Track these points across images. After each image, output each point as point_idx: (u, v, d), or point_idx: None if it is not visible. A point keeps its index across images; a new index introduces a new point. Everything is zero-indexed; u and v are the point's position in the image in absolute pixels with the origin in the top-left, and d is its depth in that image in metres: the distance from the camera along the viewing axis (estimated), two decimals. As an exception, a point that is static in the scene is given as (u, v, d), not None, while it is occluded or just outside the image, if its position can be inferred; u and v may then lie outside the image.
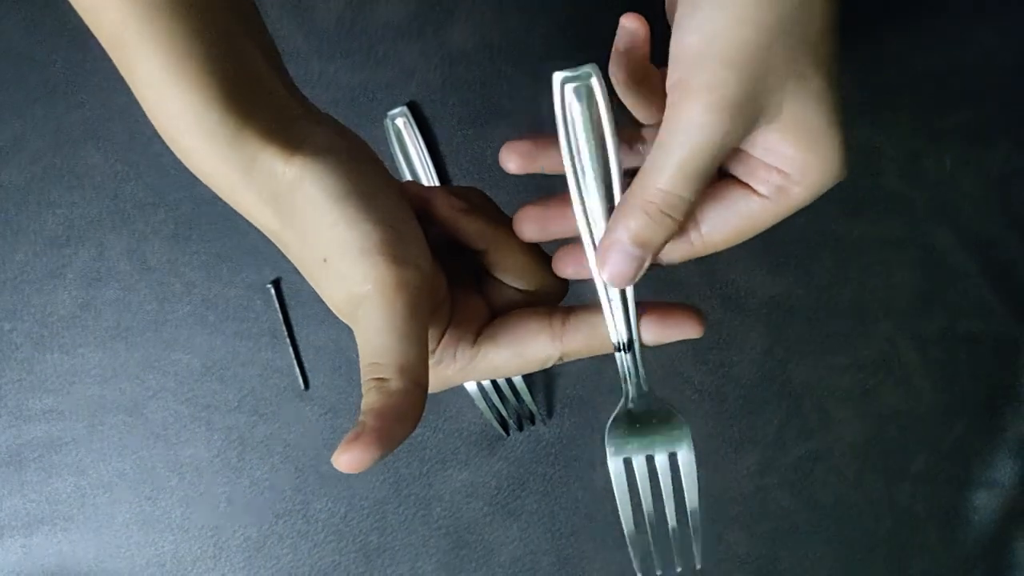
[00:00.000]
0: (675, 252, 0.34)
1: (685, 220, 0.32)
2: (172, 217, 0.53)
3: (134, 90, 0.32)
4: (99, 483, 0.52)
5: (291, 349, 0.52)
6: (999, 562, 0.52)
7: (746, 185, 0.33)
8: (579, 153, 0.33)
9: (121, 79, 0.52)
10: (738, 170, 0.33)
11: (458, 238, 0.35)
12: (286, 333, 0.52)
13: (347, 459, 0.28)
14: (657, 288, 0.52)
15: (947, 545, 0.52)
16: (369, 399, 0.29)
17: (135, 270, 0.52)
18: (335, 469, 0.51)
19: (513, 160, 0.36)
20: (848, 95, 0.32)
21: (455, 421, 0.52)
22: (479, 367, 0.35)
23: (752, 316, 0.53)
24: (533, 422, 0.52)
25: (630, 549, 0.37)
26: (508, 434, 0.52)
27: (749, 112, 0.30)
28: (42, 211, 0.53)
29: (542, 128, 0.52)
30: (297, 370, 0.52)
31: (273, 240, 0.33)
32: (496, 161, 0.52)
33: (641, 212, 0.31)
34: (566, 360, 0.35)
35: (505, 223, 0.36)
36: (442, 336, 0.34)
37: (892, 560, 0.52)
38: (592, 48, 0.53)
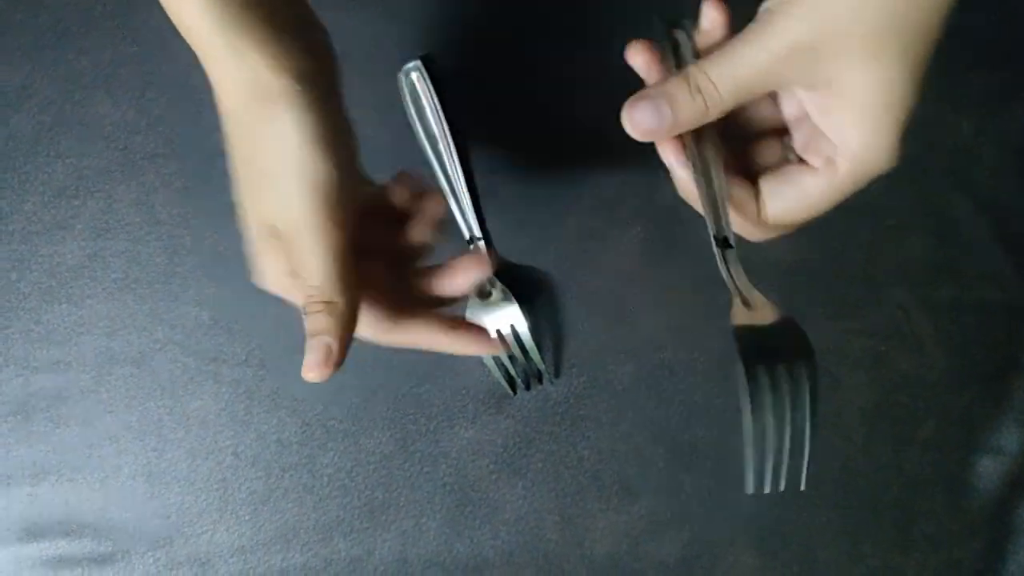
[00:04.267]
0: (746, 230, 0.37)
1: (712, 111, 0.34)
2: (182, 169, 0.52)
3: None
4: (106, 434, 0.52)
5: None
6: (1003, 528, 0.52)
7: (804, 163, 0.36)
8: None
9: (134, 28, 0.52)
10: (800, 145, 0.36)
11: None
12: (295, 287, 0.52)
13: (317, 375, 0.35)
14: (671, 255, 0.51)
15: (952, 511, 0.52)
16: (323, 321, 0.35)
17: (144, 222, 0.52)
18: (342, 424, 0.51)
19: (640, 56, 0.38)
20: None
21: (463, 379, 0.52)
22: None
23: (763, 280, 0.52)
24: (541, 381, 0.52)
25: (750, 460, 0.34)
26: (515, 393, 0.52)
27: (806, 62, 0.32)
28: (51, 161, 0.52)
29: (563, 85, 0.52)
30: (305, 325, 0.52)
31: (225, 124, 0.35)
32: (509, 116, 0.52)
33: (685, 85, 0.34)
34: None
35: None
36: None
37: (897, 525, 0.52)
38: (610, 8, 0.52)
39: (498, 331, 0.50)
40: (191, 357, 0.52)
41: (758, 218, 0.37)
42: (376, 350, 0.52)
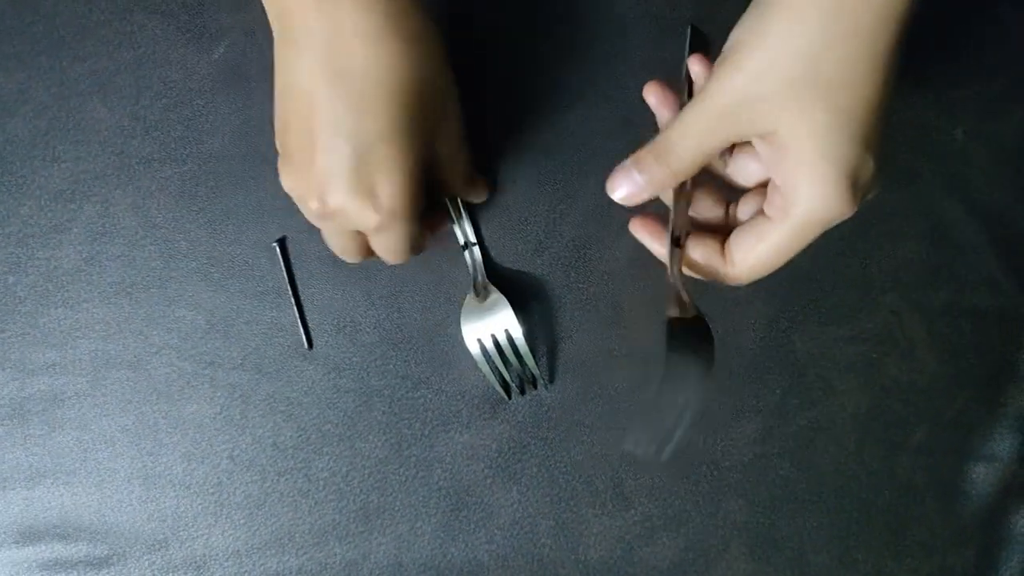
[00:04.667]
0: (714, 267, 0.41)
1: (678, 172, 0.39)
2: (178, 174, 0.52)
3: None
4: (101, 438, 0.52)
5: (295, 308, 0.52)
6: (996, 535, 0.52)
7: (764, 215, 0.39)
8: None
9: (129, 33, 0.52)
10: (767, 202, 0.39)
11: None
12: (290, 292, 0.52)
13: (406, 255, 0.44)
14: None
15: (945, 517, 0.52)
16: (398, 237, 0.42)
17: (140, 226, 0.52)
18: (337, 428, 0.52)
19: (654, 94, 0.43)
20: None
21: (458, 383, 0.52)
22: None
23: (757, 285, 0.52)
24: (535, 386, 0.52)
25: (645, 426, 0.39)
26: (510, 397, 0.52)
27: (745, 114, 0.36)
28: (47, 165, 0.52)
29: (558, 91, 0.52)
30: (301, 329, 0.52)
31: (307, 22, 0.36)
32: (504, 122, 0.52)
33: (652, 154, 0.39)
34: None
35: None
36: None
37: (890, 531, 0.52)
38: (602, 14, 0.52)
39: (493, 336, 0.50)
40: (187, 361, 0.52)
41: (725, 267, 0.40)
42: (372, 353, 0.52)
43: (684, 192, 0.42)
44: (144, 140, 0.52)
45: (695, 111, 0.37)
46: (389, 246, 0.42)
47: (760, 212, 0.40)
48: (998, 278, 0.52)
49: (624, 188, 0.40)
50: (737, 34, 0.37)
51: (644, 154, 0.39)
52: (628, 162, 0.40)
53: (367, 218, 0.39)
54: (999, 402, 0.52)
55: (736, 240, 0.40)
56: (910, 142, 0.52)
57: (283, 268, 0.52)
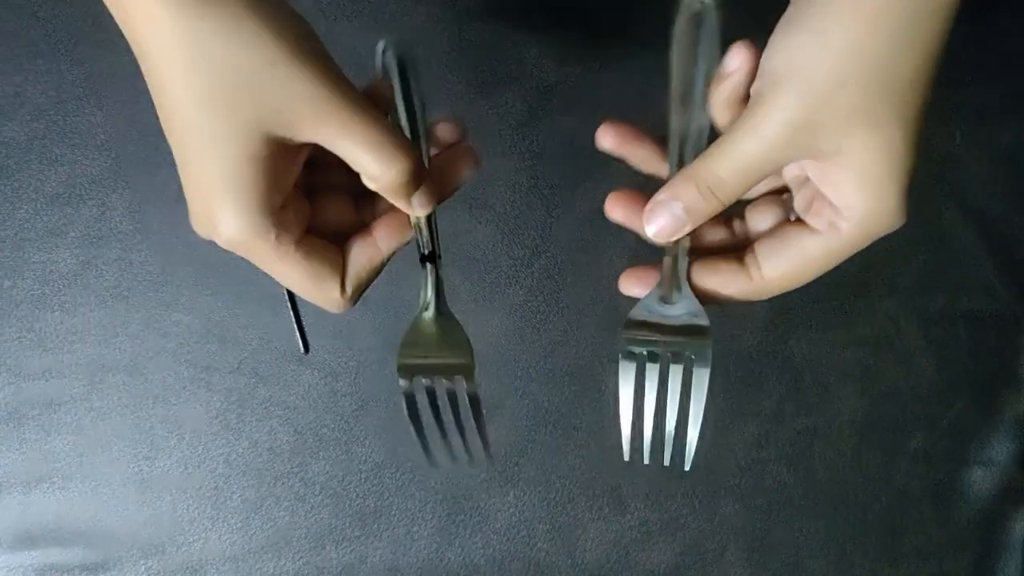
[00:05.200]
0: (733, 287, 0.37)
1: (726, 204, 0.35)
2: (175, 178, 0.52)
3: None
4: (98, 442, 0.52)
5: (291, 313, 0.52)
6: (992, 540, 0.52)
7: (804, 224, 0.36)
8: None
9: (124, 38, 0.52)
10: (801, 206, 0.36)
11: None
12: (287, 297, 0.52)
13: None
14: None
15: (941, 522, 0.52)
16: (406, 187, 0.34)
17: (137, 230, 0.52)
18: (333, 432, 0.52)
19: (610, 138, 0.38)
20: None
21: (454, 388, 0.52)
22: (277, 266, 0.34)
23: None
24: (474, 456, 0.41)
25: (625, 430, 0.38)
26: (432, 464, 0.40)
27: (809, 139, 0.32)
28: (44, 169, 0.52)
29: (550, 94, 0.52)
30: (297, 334, 0.52)
31: (159, 60, 0.31)
32: (498, 128, 0.52)
33: (694, 185, 0.35)
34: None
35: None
36: (287, 195, 0.34)
37: (887, 536, 0.52)
38: (598, 17, 0.52)
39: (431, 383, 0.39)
40: (183, 365, 0.52)
41: (751, 281, 0.37)
42: (368, 357, 0.52)
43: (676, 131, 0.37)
44: (141, 144, 0.52)
45: (749, 138, 0.33)
46: (283, 279, 0.35)
47: (788, 221, 0.37)
48: (995, 284, 0.52)
49: (663, 222, 0.36)
50: (787, 42, 0.32)
51: (687, 188, 0.35)
52: (665, 195, 0.36)
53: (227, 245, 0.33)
54: (996, 407, 0.53)
55: (766, 251, 0.36)
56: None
57: (280, 272, 0.52)
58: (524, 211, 0.52)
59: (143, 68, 0.33)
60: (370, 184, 0.34)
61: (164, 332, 0.52)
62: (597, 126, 0.52)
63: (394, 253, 0.39)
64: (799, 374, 0.52)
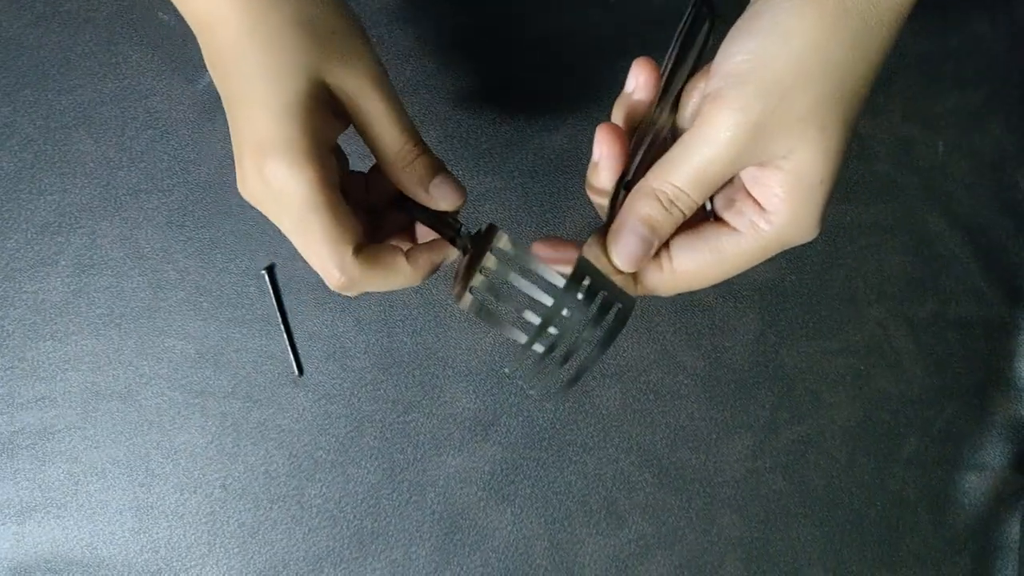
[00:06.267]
0: (647, 279, 0.36)
1: (688, 215, 0.34)
2: (165, 204, 0.52)
3: None
4: (92, 470, 0.52)
5: (285, 335, 0.52)
6: (988, 543, 0.53)
7: (722, 222, 0.35)
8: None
9: (113, 65, 0.52)
10: (720, 205, 0.36)
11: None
12: (280, 319, 0.52)
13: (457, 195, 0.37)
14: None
15: (937, 527, 0.52)
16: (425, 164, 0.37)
17: (128, 257, 0.52)
18: (329, 455, 0.52)
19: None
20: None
21: (449, 406, 0.52)
22: (304, 211, 0.35)
23: (745, 301, 0.53)
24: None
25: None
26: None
27: (765, 142, 0.32)
28: (33, 198, 0.52)
29: (538, 112, 0.52)
30: (291, 356, 0.52)
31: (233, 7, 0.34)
32: (488, 147, 0.52)
33: (654, 199, 0.34)
34: (347, 285, 0.36)
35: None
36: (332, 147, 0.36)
37: (883, 542, 0.52)
38: (586, 34, 0.53)
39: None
40: (177, 391, 0.52)
41: (663, 273, 0.36)
42: (362, 378, 0.52)
43: (650, 126, 0.36)
44: (130, 171, 0.52)
45: (707, 144, 0.32)
46: (304, 230, 0.35)
47: (708, 219, 0.36)
48: (982, 289, 0.53)
49: (631, 246, 0.34)
50: (747, 43, 0.32)
51: (650, 206, 0.34)
52: (630, 220, 0.34)
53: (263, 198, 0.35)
54: (988, 411, 0.53)
55: (680, 245, 0.35)
56: (892, 156, 0.53)
57: (272, 295, 0.52)
58: (515, 228, 0.53)
59: (196, 32, 0.35)
60: (382, 165, 0.37)
61: (157, 358, 0.52)
62: (585, 142, 0.52)
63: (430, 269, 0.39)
64: (791, 383, 0.53)
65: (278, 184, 0.33)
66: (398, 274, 0.37)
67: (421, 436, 0.52)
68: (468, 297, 0.38)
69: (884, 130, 0.53)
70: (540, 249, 0.38)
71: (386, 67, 0.36)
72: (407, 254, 0.37)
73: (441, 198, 0.37)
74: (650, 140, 0.36)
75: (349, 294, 0.37)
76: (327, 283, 0.36)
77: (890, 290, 0.53)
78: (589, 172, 0.37)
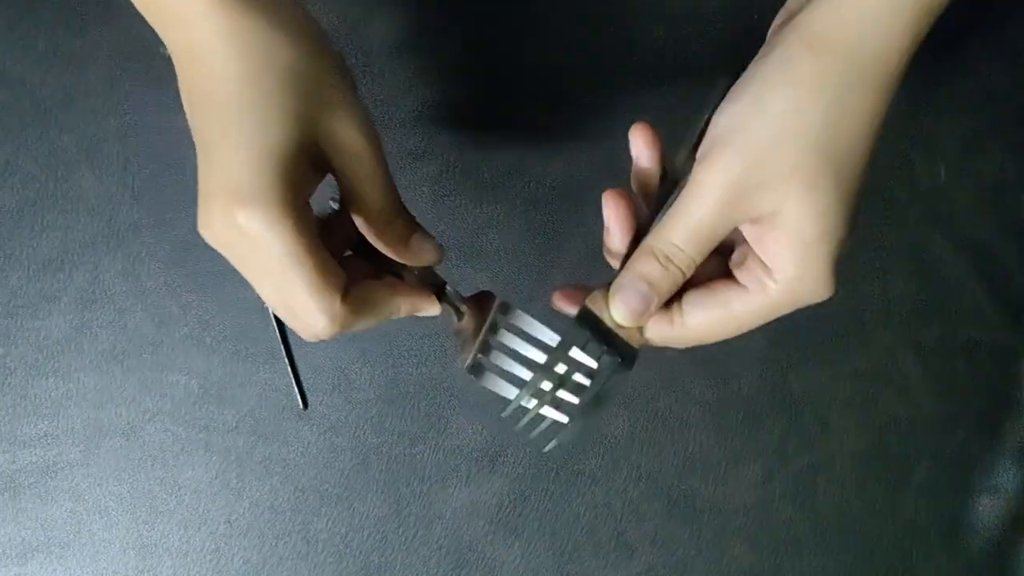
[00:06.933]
0: (657, 331, 0.37)
1: (688, 272, 0.36)
2: (167, 238, 0.52)
3: None
4: (96, 508, 0.52)
5: (289, 369, 0.52)
6: (1004, 569, 0.52)
7: (734, 280, 0.36)
8: None
9: (115, 102, 0.52)
10: (735, 262, 0.37)
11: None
12: (284, 353, 0.52)
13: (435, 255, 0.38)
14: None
15: (951, 553, 0.52)
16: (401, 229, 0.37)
17: (131, 292, 0.52)
18: (335, 489, 0.51)
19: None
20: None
21: (455, 438, 0.52)
22: (276, 259, 0.34)
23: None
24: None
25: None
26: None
27: (750, 198, 0.33)
28: (36, 235, 0.52)
29: (539, 140, 0.53)
30: (296, 390, 0.52)
31: (206, 47, 0.33)
32: (489, 177, 0.52)
33: (654, 259, 0.35)
34: (332, 327, 0.36)
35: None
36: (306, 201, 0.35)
37: (896, 570, 0.52)
38: (585, 63, 0.53)
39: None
40: (181, 426, 0.52)
41: (673, 327, 0.37)
42: (368, 411, 0.52)
43: (667, 183, 0.38)
44: (133, 207, 0.52)
45: (698, 202, 0.34)
46: (287, 282, 0.34)
47: (723, 276, 0.37)
48: (988, 312, 0.53)
49: (632, 302, 0.36)
50: (730, 109, 0.34)
51: (647, 264, 0.35)
52: (629, 277, 0.36)
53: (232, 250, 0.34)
54: (998, 435, 0.53)
55: (692, 300, 0.36)
56: (895, 180, 0.53)
57: (275, 328, 0.52)
58: (517, 257, 0.52)
59: (179, 66, 0.35)
60: (361, 221, 0.37)
61: (161, 394, 0.52)
62: (586, 170, 0.52)
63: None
64: (799, 411, 0.52)
65: (254, 234, 0.32)
66: (391, 311, 0.38)
67: (427, 469, 0.52)
68: (480, 368, 0.39)
69: (885, 153, 0.53)
70: (560, 301, 0.39)
71: (380, 117, 0.37)
72: (396, 290, 0.38)
73: (420, 254, 0.38)
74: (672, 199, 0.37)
75: (326, 338, 0.36)
76: (307, 332, 0.35)
77: (896, 315, 0.53)
78: (604, 236, 0.39)
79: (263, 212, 0.32)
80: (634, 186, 0.39)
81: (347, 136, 0.34)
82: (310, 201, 0.36)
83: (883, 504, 0.52)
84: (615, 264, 0.39)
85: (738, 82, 0.35)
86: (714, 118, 0.35)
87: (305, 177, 0.34)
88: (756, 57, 0.35)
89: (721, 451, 0.52)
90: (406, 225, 0.37)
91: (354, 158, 0.35)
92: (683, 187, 0.35)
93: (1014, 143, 0.53)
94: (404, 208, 0.38)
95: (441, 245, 0.39)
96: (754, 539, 0.52)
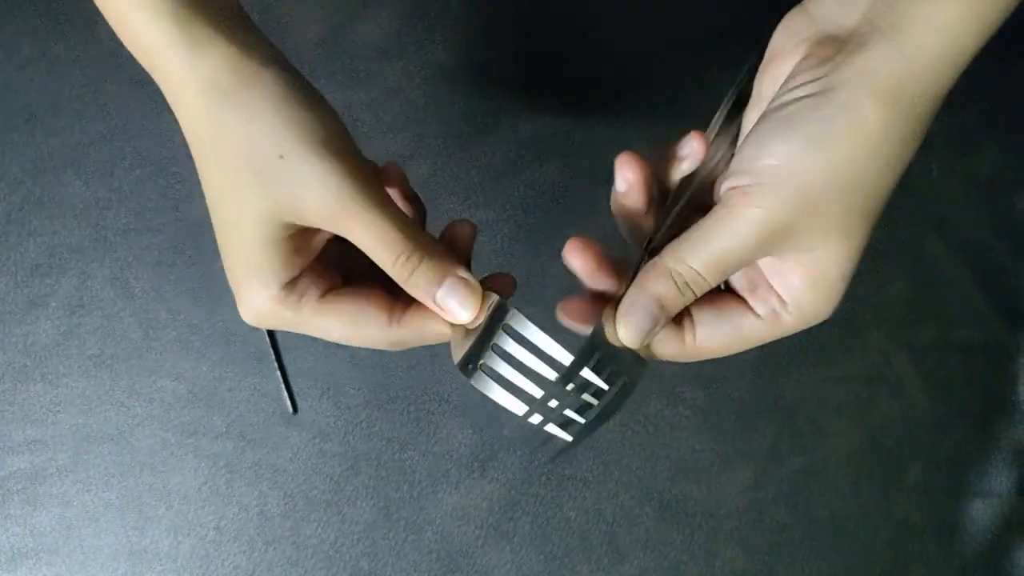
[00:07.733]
0: (667, 347, 0.36)
1: (699, 295, 0.35)
2: (155, 243, 0.52)
3: None
4: (85, 514, 0.51)
5: (278, 373, 0.51)
6: (998, 570, 0.52)
7: (744, 303, 0.35)
8: None
9: (102, 105, 0.52)
10: (743, 285, 0.36)
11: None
12: (273, 357, 0.51)
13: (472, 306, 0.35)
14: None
15: (945, 555, 0.51)
16: (428, 272, 0.34)
17: (119, 297, 0.52)
18: (324, 494, 0.51)
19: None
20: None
21: (445, 443, 0.51)
22: (312, 323, 0.35)
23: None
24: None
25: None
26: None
27: (787, 241, 0.33)
28: (23, 240, 0.52)
29: (527, 144, 0.52)
30: (285, 394, 0.51)
31: (192, 135, 0.32)
32: (479, 180, 0.52)
33: (668, 279, 0.34)
34: (396, 348, 0.36)
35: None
36: (305, 266, 0.34)
37: (890, 572, 0.51)
38: (574, 64, 0.53)
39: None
40: (170, 432, 0.52)
41: (683, 345, 0.36)
42: (357, 416, 0.51)
43: (677, 198, 0.37)
44: (120, 211, 0.52)
45: (727, 233, 0.33)
46: (325, 334, 0.35)
47: (730, 295, 0.36)
48: (983, 312, 0.52)
49: (640, 323, 0.34)
50: (782, 148, 0.32)
51: (662, 284, 0.34)
52: (641, 296, 0.34)
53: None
54: (993, 437, 0.52)
55: (704, 320, 0.36)
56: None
57: (265, 334, 0.52)
58: (508, 261, 0.52)
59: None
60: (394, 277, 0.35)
61: (149, 399, 0.52)
62: (576, 174, 0.52)
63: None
64: (792, 413, 0.52)
65: (260, 316, 0.34)
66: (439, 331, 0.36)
67: (417, 474, 0.51)
68: (480, 375, 0.37)
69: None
70: (566, 317, 0.38)
71: (369, 164, 0.35)
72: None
73: (451, 311, 0.35)
74: (682, 204, 0.37)
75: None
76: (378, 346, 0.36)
77: (890, 316, 0.52)
78: (615, 196, 0.36)
79: (261, 299, 0.33)
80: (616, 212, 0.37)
81: (318, 211, 0.32)
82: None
83: (876, 506, 0.52)
84: (621, 225, 0.37)
85: (782, 114, 0.33)
86: (754, 146, 0.33)
87: (302, 250, 0.34)
88: (797, 81, 0.33)
89: (713, 454, 0.52)
90: (429, 278, 0.34)
91: (336, 225, 0.33)
92: (715, 211, 0.33)
93: (1006, 141, 0.53)
94: (425, 256, 0.34)
95: (477, 290, 0.35)
96: (747, 542, 0.51)
